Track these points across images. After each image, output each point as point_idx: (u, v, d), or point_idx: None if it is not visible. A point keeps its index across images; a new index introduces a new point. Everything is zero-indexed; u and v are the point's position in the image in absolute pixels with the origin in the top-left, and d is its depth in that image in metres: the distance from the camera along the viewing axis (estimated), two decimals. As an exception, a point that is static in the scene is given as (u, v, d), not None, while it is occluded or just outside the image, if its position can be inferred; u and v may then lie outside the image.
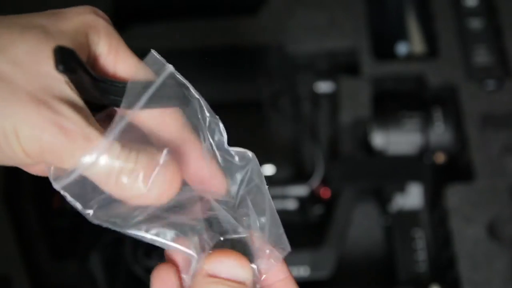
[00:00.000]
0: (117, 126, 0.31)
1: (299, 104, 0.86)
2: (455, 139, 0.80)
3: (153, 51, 0.35)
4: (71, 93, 0.31)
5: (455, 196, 0.75)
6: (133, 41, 0.90)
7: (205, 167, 0.35)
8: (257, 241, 0.35)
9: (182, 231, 0.34)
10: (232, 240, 0.35)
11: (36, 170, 0.35)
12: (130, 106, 0.32)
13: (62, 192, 0.31)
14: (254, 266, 0.35)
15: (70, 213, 0.80)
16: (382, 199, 0.83)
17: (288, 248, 0.36)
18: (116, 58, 0.35)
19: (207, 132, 0.35)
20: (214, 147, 0.36)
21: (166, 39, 0.87)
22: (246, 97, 0.86)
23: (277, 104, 0.85)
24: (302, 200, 0.81)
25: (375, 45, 0.86)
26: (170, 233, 0.33)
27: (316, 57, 0.87)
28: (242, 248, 0.35)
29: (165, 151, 0.32)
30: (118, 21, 0.89)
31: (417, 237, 0.79)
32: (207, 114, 0.35)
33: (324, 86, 0.87)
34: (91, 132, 0.31)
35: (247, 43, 0.87)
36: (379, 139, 0.81)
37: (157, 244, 0.34)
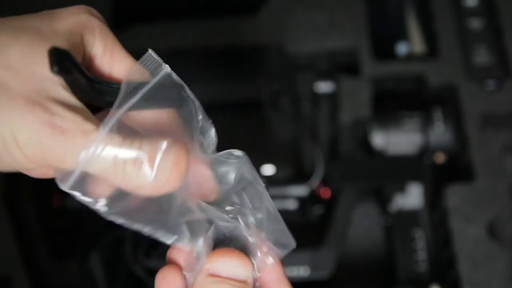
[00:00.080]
0: (113, 118, 0.31)
1: (299, 104, 0.86)
2: (455, 139, 0.80)
3: (150, 51, 0.35)
4: (66, 94, 0.31)
5: (455, 196, 0.75)
6: (133, 41, 0.90)
7: (197, 170, 0.35)
8: (254, 238, 0.35)
9: (189, 229, 0.34)
10: (230, 239, 0.35)
11: (37, 173, 0.34)
12: (123, 104, 0.32)
13: (70, 192, 0.31)
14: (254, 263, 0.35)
15: (70, 213, 0.80)
16: (382, 199, 0.83)
17: (292, 243, 0.36)
18: (111, 59, 0.34)
19: (199, 134, 0.35)
20: (205, 150, 0.35)
21: (166, 39, 0.87)
22: (246, 97, 0.86)
23: (277, 104, 0.85)
24: (302, 200, 0.81)
25: (375, 45, 0.86)
26: (179, 231, 0.33)
27: (316, 57, 0.87)
28: (240, 247, 0.35)
29: (168, 138, 0.32)
30: (118, 21, 0.89)
31: (417, 237, 0.79)
32: (200, 117, 0.35)
33: (324, 86, 0.87)
34: (88, 126, 0.30)
35: (247, 43, 0.87)
36: (379, 139, 0.81)
37: (167, 242, 0.34)
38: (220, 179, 0.36)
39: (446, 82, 0.82)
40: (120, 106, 0.32)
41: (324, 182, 0.81)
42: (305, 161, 0.83)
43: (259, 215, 0.35)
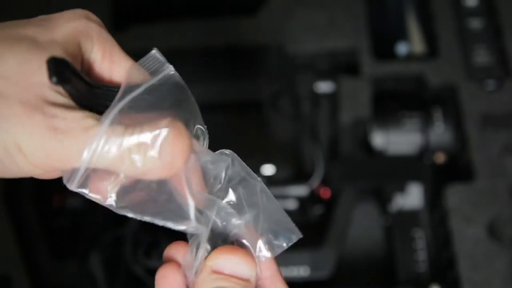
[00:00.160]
0: (113, 110, 0.31)
1: (299, 104, 0.86)
2: (455, 139, 0.80)
3: (155, 50, 0.35)
4: (64, 98, 0.31)
5: (455, 196, 0.75)
6: (133, 41, 0.90)
7: (191, 172, 0.35)
8: (250, 235, 0.35)
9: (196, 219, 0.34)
10: (227, 235, 0.35)
11: (41, 175, 0.34)
12: (123, 98, 0.32)
13: (78, 191, 0.31)
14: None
15: (70, 213, 0.80)
16: (382, 199, 0.83)
17: (295, 233, 0.36)
18: (111, 63, 0.34)
19: (193, 138, 0.35)
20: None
21: (166, 39, 0.87)
22: (246, 97, 0.86)
23: (277, 104, 0.85)
24: (302, 200, 0.81)
25: (375, 45, 0.86)
26: (187, 220, 0.33)
27: (316, 57, 0.87)
28: (237, 243, 0.35)
29: (168, 118, 0.32)
30: (118, 21, 0.89)
31: (417, 237, 0.79)
32: (197, 121, 0.35)
33: (324, 86, 0.87)
34: (89, 122, 0.31)
35: (247, 43, 0.87)
36: (379, 139, 0.81)
37: (178, 230, 0.34)
38: (213, 179, 0.36)
39: (446, 82, 0.82)
40: (120, 100, 0.32)
41: (324, 182, 0.81)
42: (305, 161, 0.83)
43: (255, 210, 0.35)
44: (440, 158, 0.81)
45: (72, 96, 0.31)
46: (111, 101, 0.33)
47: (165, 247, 0.36)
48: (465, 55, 0.84)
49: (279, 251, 0.35)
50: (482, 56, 0.84)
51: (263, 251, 0.35)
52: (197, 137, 0.35)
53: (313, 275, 0.74)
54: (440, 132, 0.80)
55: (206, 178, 0.35)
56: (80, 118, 0.31)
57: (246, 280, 0.34)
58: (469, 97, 0.80)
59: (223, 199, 0.35)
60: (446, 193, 0.75)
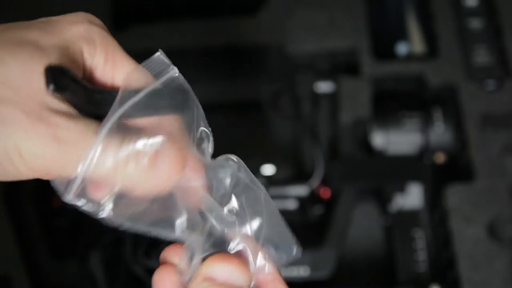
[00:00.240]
0: (110, 119, 0.31)
1: (299, 104, 0.86)
2: (455, 139, 0.80)
3: (160, 52, 0.35)
4: (67, 106, 0.31)
5: (455, 196, 0.75)
6: (133, 41, 0.90)
7: (192, 176, 0.35)
8: (250, 244, 0.35)
9: (189, 228, 0.34)
10: (226, 243, 0.35)
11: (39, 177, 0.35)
12: (122, 105, 0.32)
13: (72, 203, 0.32)
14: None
15: (70, 213, 0.80)
16: (382, 199, 0.83)
17: (295, 248, 0.36)
18: (113, 67, 0.34)
19: (198, 140, 0.35)
20: (201, 156, 0.35)
21: (166, 39, 0.87)
22: (246, 97, 0.86)
23: (277, 104, 0.85)
24: (302, 200, 0.81)
25: (375, 45, 0.86)
26: (180, 229, 0.33)
27: (316, 57, 0.87)
28: (236, 252, 0.35)
29: (165, 129, 0.32)
30: (118, 21, 0.89)
31: (417, 237, 0.79)
32: (201, 123, 0.35)
33: (324, 86, 0.87)
34: (90, 133, 0.31)
35: (247, 43, 0.87)
36: (379, 139, 0.81)
37: (171, 239, 0.34)
38: (217, 184, 0.35)
39: (446, 82, 0.82)
40: (119, 106, 0.32)
41: (324, 182, 0.81)
42: (305, 161, 0.83)
43: (258, 220, 0.35)
44: (440, 158, 0.81)
45: (71, 103, 0.31)
46: (111, 106, 0.32)
47: (165, 247, 0.36)
48: (465, 55, 0.84)
49: (279, 263, 0.35)
50: (482, 56, 0.84)
51: (263, 262, 0.35)
52: (201, 140, 0.35)
53: (313, 275, 0.74)
54: (440, 132, 0.80)
55: (210, 183, 0.35)
56: (83, 129, 0.31)
57: None
58: (469, 97, 0.80)
59: (226, 205, 0.35)
60: (446, 193, 0.75)
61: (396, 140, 0.81)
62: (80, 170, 0.31)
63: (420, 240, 0.79)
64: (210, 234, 0.35)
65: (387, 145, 0.81)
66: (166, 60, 0.35)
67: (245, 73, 0.87)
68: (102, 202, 0.32)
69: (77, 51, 0.33)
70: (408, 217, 0.81)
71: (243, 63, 0.87)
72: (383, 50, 0.88)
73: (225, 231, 0.35)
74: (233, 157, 0.35)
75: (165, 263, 0.35)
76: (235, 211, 0.35)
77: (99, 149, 0.31)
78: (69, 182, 0.31)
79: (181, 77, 0.34)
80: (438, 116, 0.81)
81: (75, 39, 0.33)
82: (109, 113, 0.32)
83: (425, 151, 0.81)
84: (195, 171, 0.35)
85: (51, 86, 0.29)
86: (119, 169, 0.31)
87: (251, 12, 0.88)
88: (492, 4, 0.86)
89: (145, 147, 0.31)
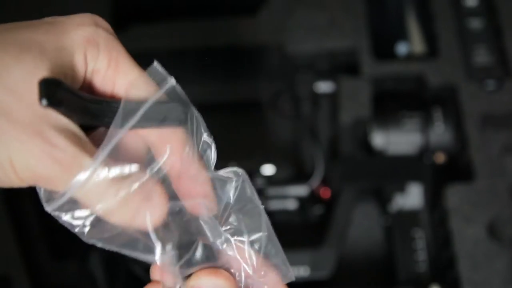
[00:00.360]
0: (104, 150, 0.31)
1: (299, 104, 0.86)
2: (455, 139, 0.80)
3: (155, 63, 0.34)
4: (66, 121, 0.31)
5: (455, 196, 0.75)
6: (133, 41, 0.90)
7: (198, 186, 0.35)
8: (245, 257, 0.35)
9: (174, 247, 0.34)
10: (219, 258, 0.35)
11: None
12: (122, 125, 0.32)
13: (53, 214, 0.32)
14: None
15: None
16: (382, 199, 0.83)
17: (290, 273, 0.36)
18: (115, 72, 0.34)
19: (199, 151, 0.35)
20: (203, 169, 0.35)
21: (166, 39, 0.87)
22: (246, 97, 0.86)
23: (277, 104, 0.85)
24: (302, 200, 0.81)
25: (375, 45, 0.86)
26: (162, 251, 0.33)
27: (316, 57, 0.87)
28: (230, 267, 0.35)
29: (148, 172, 0.32)
30: (118, 21, 0.89)
31: (417, 237, 0.79)
32: (203, 133, 0.35)
33: (324, 86, 0.87)
34: (84, 159, 0.31)
35: (247, 43, 0.87)
36: (379, 139, 0.81)
37: (149, 262, 0.34)
38: (219, 197, 0.35)
39: (446, 82, 0.82)
40: (118, 126, 0.32)
41: (324, 182, 0.81)
42: (305, 161, 0.83)
43: (257, 235, 0.35)
44: (440, 158, 0.81)
45: (67, 116, 0.31)
46: (110, 117, 0.32)
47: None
48: (465, 55, 0.84)
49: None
50: (482, 56, 0.84)
51: (261, 272, 0.35)
52: (204, 150, 0.35)
53: (313, 275, 0.74)
54: (440, 132, 0.80)
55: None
56: (79, 153, 0.31)
57: None
58: (469, 97, 0.80)
59: (225, 219, 0.35)
60: (446, 193, 0.75)
61: (396, 140, 0.81)
62: (67, 190, 0.31)
63: (420, 240, 0.79)
64: (204, 248, 0.35)
65: (387, 145, 0.81)
66: (162, 70, 0.34)
67: (245, 73, 0.87)
68: (80, 222, 0.32)
69: (81, 55, 0.33)
70: (408, 217, 0.81)
71: (243, 63, 0.87)
72: (383, 50, 0.88)
73: (222, 245, 0.35)
74: (238, 170, 0.35)
75: (154, 278, 0.36)
76: (234, 225, 0.35)
77: (90, 175, 0.31)
78: (53, 195, 0.32)
79: (178, 87, 0.34)
80: (438, 116, 0.81)
81: (80, 42, 0.33)
82: (105, 139, 0.32)
83: (425, 151, 0.81)
84: (197, 186, 0.35)
85: (44, 101, 0.29)
86: (102, 196, 0.31)
87: (251, 12, 0.88)
88: (492, 4, 0.86)
89: (132, 182, 0.31)
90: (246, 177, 0.35)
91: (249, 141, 0.83)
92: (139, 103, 0.33)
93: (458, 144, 0.80)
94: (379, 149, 0.81)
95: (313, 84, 0.87)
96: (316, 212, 0.82)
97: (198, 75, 0.83)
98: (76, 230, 0.32)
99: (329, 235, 0.76)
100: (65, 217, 0.32)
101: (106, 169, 0.31)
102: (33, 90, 0.30)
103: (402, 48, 0.92)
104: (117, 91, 0.34)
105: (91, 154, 0.31)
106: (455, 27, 0.85)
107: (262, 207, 0.35)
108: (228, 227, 0.35)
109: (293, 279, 0.36)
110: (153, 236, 0.33)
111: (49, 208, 0.32)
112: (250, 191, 0.35)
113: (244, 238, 0.35)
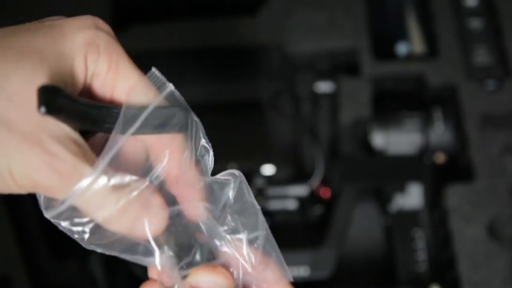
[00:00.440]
0: (104, 158, 0.31)
1: (299, 104, 0.86)
2: (455, 139, 0.80)
3: (154, 69, 0.34)
4: (66, 128, 0.31)
5: (455, 196, 0.75)
6: (133, 41, 0.90)
7: (195, 191, 0.35)
8: (249, 257, 0.35)
9: (173, 251, 0.34)
10: (218, 258, 0.35)
11: None
12: (123, 132, 0.32)
13: (53, 221, 0.32)
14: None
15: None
16: (382, 199, 0.83)
17: (288, 274, 0.36)
18: (116, 75, 0.34)
19: (197, 156, 0.35)
20: (202, 171, 0.35)
21: (166, 39, 0.87)
22: (246, 97, 0.86)
23: (277, 104, 0.85)
24: (302, 200, 0.81)
25: (375, 45, 0.86)
26: (162, 255, 0.34)
27: (316, 57, 0.87)
28: (230, 266, 0.35)
29: (147, 179, 0.32)
30: (118, 21, 0.89)
31: (417, 237, 0.79)
32: (201, 138, 0.35)
33: (324, 86, 0.87)
34: (85, 169, 0.31)
35: (247, 43, 0.87)
36: (379, 139, 0.81)
37: (150, 266, 0.34)
38: (217, 199, 0.36)
39: (446, 82, 0.82)
40: (119, 133, 0.32)
41: (324, 182, 0.81)
42: (305, 161, 0.83)
43: (255, 235, 0.35)
44: (440, 158, 0.81)
45: (66, 123, 0.31)
46: (110, 123, 0.32)
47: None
48: (465, 55, 0.84)
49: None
50: (482, 56, 0.84)
51: (262, 267, 0.35)
52: (202, 155, 0.35)
53: (313, 275, 0.74)
54: (440, 132, 0.80)
55: (210, 198, 0.36)
56: (79, 163, 0.31)
57: None
58: (469, 97, 0.80)
59: (223, 221, 0.36)
60: (446, 193, 0.75)
61: (396, 140, 0.81)
62: (67, 198, 0.31)
63: (420, 240, 0.79)
64: (203, 250, 0.35)
65: (387, 145, 0.81)
66: (161, 76, 0.34)
67: (245, 73, 0.87)
68: (79, 229, 0.32)
69: (81, 59, 0.33)
70: (408, 217, 0.81)
71: (243, 63, 0.87)
72: (383, 50, 0.88)
73: (221, 245, 0.35)
74: (236, 172, 0.36)
75: (152, 277, 0.36)
76: (232, 225, 0.36)
77: (89, 184, 0.31)
78: (52, 203, 0.32)
79: (177, 93, 0.34)
80: (438, 116, 0.81)
81: (80, 46, 0.33)
82: (106, 147, 0.32)
83: (425, 151, 0.81)
84: (195, 191, 0.35)
85: (43, 109, 0.29)
86: (101, 205, 0.31)
87: (251, 12, 0.88)
88: (492, 4, 0.86)
89: (132, 190, 0.32)
90: (243, 178, 0.36)
91: (249, 141, 0.83)
92: (140, 109, 0.33)
93: (458, 144, 0.80)
94: (379, 149, 0.81)
95: (313, 84, 0.87)
96: (316, 212, 0.82)
97: (198, 75, 0.83)
98: (76, 236, 0.33)
99: (329, 235, 0.76)
100: (64, 224, 0.32)
101: (106, 177, 0.31)
102: (33, 98, 0.30)
103: (402, 48, 0.92)
104: (117, 95, 0.34)
105: (91, 162, 0.31)
106: (455, 27, 0.85)
107: (259, 207, 0.36)
108: (226, 227, 0.35)
109: (290, 280, 0.36)
110: (152, 243, 0.33)
111: (48, 215, 0.32)
112: (247, 192, 0.36)
113: (242, 236, 0.35)
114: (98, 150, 0.32)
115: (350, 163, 0.83)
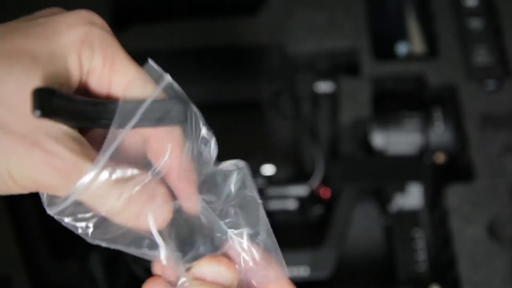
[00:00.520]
0: (105, 154, 0.31)
1: (299, 104, 0.86)
2: (455, 139, 0.80)
3: (150, 61, 0.34)
4: (64, 126, 0.31)
5: (455, 196, 0.75)
6: (133, 41, 0.90)
7: (195, 184, 0.35)
8: (251, 252, 0.35)
9: (177, 245, 0.34)
10: (219, 250, 0.36)
11: None
12: (121, 126, 0.32)
13: (56, 217, 0.32)
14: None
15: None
16: (382, 199, 0.83)
17: (285, 272, 0.36)
18: (111, 70, 0.33)
19: (200, 145, 0.35)
20: (205, 161, 0.35)
21: (166, 39, 0.87)
22: (246, 97, 0.86)
23: (277, 104, 0.85)
24: (302, 200, 0.81)
25: (375, 45, 0.86)
26: (166, 250, 0.34)
27: (316, 57, 0.87)
28: (226, 254, 0.35)
29: (150, 173, 0.32)
30: (118, 21, 0.89)
31: (417, 237, 0.79)
32: (201, 127, 0.35)
33: (324, 86, 0.87)
34: (85, 165, 0.31)
35: (247, 43, 0.87)
36: (379, 139, 0.81)
37: (155, 259, 0.34)
38: (219, 190, 0.36)
39: (446, 82, 0.82)
40: (117, 127, 0.32)
41: (324, 182, 0.81)
42: (305, 161, 0.83)
43: (256, 228, 0.35)
44: (440, 158, 0.81)
45: (63, 123, 0.31)
46: (107, 119, 0.32)
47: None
48: (465, 55, 0.84)
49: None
50: (482, 56, 0.84)
51: (263, 262, 0.35)
52: (203, 144, 0.35)
53: (313, 275, 0.74)
54: (440, 132, 0.80)
55: (212, 189, 0.36)
56: (79, 159, 0.31)
57: (227, 287, 0.35)
58: (469, 97, 0.80)
59: (225, 212, 0.36)
60: (446, 193, 0.75)
61: (396, 140, 0.81)
62: (70, 195, 0.31)
63: (420, 240, 0.79)
64: (205, 243, 0.35)
65: (387, 145, 0.81)
66: (157, 68, 0.34)
67: (245, 73, 0.87)
68: (83, 224, 0.32)
69: (75, 58, 0.32)
70: (408, 217, 0.81)
71: (243, 63, 0.87)
72: (383, 50, 0.88)
73: (222, 239, 0.35)
74: (239, 163, 0.36)
75: (156, 271, 0.36)
76: (233, 218, 0.36)
77: (92, 179, 0.31)
78: (55, 199, 0.32)
79: (175, 84, 0.34)
80: (438, 116, 0.81)
81: (73, 44, 0.32)
82: (105, 142, 0.32)
83: (425, 151, 0.81)
84: (192, 185, 0.35)
85: (37, 112, 0.29)
86: (105, 199, 0.31)
87: (251, 12, 0.88)
88: (492, 4, 0.86)
89: (131, 187, 0.32)
90: (247, 170, 0.36)
91: (249, 141, 0.83)
92: (137, 103, 0.32)
93: (458, 144, 0.80)
94: (379, 149, 0.81)
95: (313, 84, 0.87)
96: (316, 212, 0.82)
97: (198, 75, 0.83)
98: (80, 232, 0.33)
99: (329, 235, 0.76)
100: (68, 220, 0.32)
101: (108, 172, 0.31)
102: (27, 101, 0.29)
103: (402, 48, 0.92)
104: (114, 90, 0.34)
105: (92, 158, 0.31)
106: (455, 27, 0.85)
107: (260, 202, 0.36)
108: (228, 220, 0.35)
109: (285, 275, 0.36)
110: (156, 236, 0.33)
111: (51, 211, 0.32)
112: (250, 184, 0.36)
113: (243, 231, 0.35)
114: (96, 144, 0.32)
115: (350, 163, 0.83)
